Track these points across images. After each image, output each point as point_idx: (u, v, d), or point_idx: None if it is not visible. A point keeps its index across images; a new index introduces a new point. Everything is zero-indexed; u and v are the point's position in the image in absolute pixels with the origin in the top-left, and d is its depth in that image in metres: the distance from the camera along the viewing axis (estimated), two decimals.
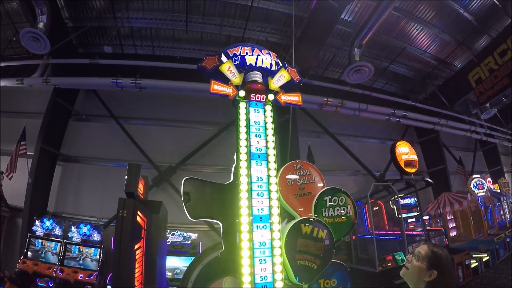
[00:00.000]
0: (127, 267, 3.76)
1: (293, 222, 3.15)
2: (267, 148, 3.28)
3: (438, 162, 12.70)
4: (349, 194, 3.59)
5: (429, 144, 12.90)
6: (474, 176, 11.74)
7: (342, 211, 3.45)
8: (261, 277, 2.82)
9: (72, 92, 8.76)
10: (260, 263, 2.88)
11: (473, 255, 8.69)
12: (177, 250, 7.14)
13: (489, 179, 14.11)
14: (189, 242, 7.34)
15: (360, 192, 7.66)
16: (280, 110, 7.97)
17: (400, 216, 7.75)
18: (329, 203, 3.42)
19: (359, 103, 9.17)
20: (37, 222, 6.95)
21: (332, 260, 3.21)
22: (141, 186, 4.61)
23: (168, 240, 7.22)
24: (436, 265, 1.80)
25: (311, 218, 3.25)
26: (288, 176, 3.46)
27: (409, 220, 9.66)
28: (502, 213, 12.52)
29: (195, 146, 8.86)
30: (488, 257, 9.00)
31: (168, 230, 7.32)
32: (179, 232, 7.37)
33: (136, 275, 3.86)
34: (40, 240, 6.81)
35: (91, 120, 9.15)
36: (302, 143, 8.73)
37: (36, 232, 6.88)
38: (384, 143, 11.55)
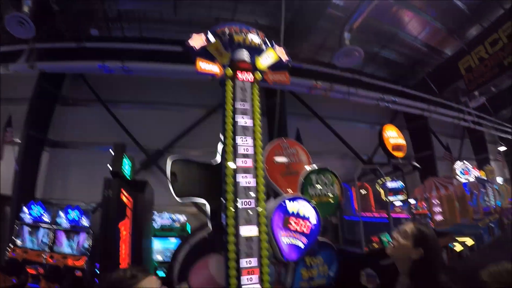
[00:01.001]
0: (113, 246, 3.76)
1: (279, 199, 3.16)
2: (254, 125, 3.25)
3: (425, 148, 12.93)
4: (336, 174, 3.61)
5: (417, 130, 13.12)
6: (460, 162, 11.96)
7: (328, 191, 3.47)
8: (246, 253, 2.82)
9: (58, 77, 8.61)
10: (246, 240, 2.88)
11: (458, 239, 8.88)
12: (166, 232, 7.16)
13: (476, 166, 14.39)
14: (177, 224, 7.36)
15: (348, 175, 7.71)
16: (269, 94, 7.95)
17: (386, 199, 7.85)
18: (316, 182, 3.43)
19: (349, 87, 9.20)
20: (25, 209, 6.87)
21: (319, 239, 3.23)
22: (127, 167, 4.58)
23: (157, 222, 7.24)
24: (422, 243, 1.81)
25: (297, 196, 3.26)
26: (277, 159, 3.45)
27: (396, 204, 9.78)
28: (487, 199, 12.78)
29: (184, 129, 8.83)
30: (472, 242, 9.20)
31: (157, 213, 7.34)
32: (167, 215, 7.38)
33: (123, 254, 3.86)
34: (28, 227, 6.74)
35: (78, 105, 9.03)
36: (291, 126, 8.74)
37: (25, 219, 6.80)
38: (372, 128, 11.63)
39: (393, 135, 7.82)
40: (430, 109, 11.34)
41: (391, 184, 8.70)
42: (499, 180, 16.94)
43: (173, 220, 7.40)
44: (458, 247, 8.51)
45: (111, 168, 4.22)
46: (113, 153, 4.28)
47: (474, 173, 13.09)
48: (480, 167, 14.86)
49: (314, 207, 3.23)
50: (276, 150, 3.48)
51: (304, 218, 3.16)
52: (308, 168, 3.50)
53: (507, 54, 9.48)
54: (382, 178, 7.82)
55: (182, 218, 7.49)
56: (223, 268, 2.72)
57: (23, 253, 6.36)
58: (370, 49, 10.09)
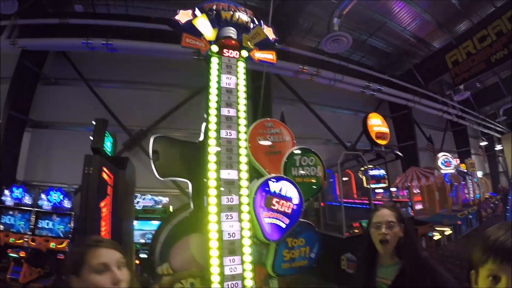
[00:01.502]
0: (93, 225, 3.69)
1: (262, 179, 3.13)
2: (237, 104, 3.21)
3: (408, 138, 13.10)
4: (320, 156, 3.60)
5: (401, 120, 13.27)
6: (442, 154, 12.18)
7: (311, 172, 3.45)
8: (228, 233, 2.81)
9: (40, 55, 8.31)
10: (227, 218, 2.86)
11: (437, 228, 9.14)
12: (148, 214, 7.11)
13: (457, 158, 14.71)
14: (160, 206, 7.32)
15: (331, 160, 7.73)
16: (255, 77, 7.86)
17: (368, 186, 7.96)
18: (299, 163, 3.41)
19: (335, 73, 9.17)
20: (6, 192, 6.69)
21: (301, 220, 3.23)
22: (108, 143, 4.49)
23: (139, 204, 7.18)
24: (402, 220, 1.92)
25: (280, 176, 3.24)
26: (261, 142, 3.42)
27: (377, 191, 9.99)
28: (466, 191, 13.15)
29: (168, 110, 8.69)
30: (451, 232, 9.46)
31: (139, 195, 7.28)
32: (150, 196, 7.32)
33: (103, 234, 3.80)
34: (10, 210, 6.57)
35: (61, 84, 8.77)
36: (276, 110, 8.69)
37: (6, 202, 6.62)
38: (357, 115, 11.65)
39: (377, 123, 7.89)
40: (415, 100, 11.42)
41: (373, 172, 8.86)
42: (479, 174, 17.42)
43: (156, 202, 7.36)
44: (436, 236, 8.76)
45: (92, 145, 4.12)
46: (94, 129, 4.18)
47: (455, 165, 13.39)
48: (461, 160, 15.21)
49: (297, 188, 3.21)
50: (260, 129, 3.44)
51: (287, 198, 3.14)
52: (291, 148, 3.48)
53: (495, 51, 9.63)
54: (364, 166, 7.90)
55: (165, 200, 7.45)
56: (204, 248, 2.70)
57: (5, 236, 6.22)
58: (358, 37, 10.12)
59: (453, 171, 11.99)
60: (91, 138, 4.23)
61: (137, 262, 5.87)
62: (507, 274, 0.87)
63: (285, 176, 3.27)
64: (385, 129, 8.04)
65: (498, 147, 20.51)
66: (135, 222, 6.67)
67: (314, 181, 3.46)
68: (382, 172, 9.01)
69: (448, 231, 9.41)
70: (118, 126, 8.18)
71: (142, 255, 6.22)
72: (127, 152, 8.12)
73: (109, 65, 8.70)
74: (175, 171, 3.30)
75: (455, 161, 13.45)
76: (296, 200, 3.17)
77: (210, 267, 2.59)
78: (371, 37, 10.32)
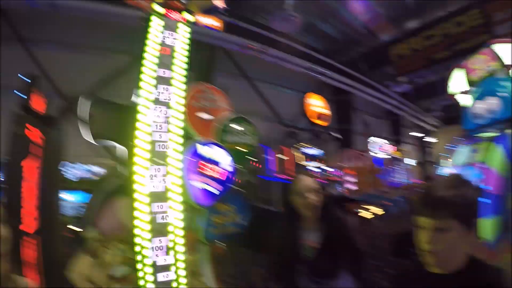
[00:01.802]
0: (16, 187, 3.49)
1: (194, 143, 3.12)
2: (175, 66, 3.14)
3: (347, 121, 13.54)
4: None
5: (342, 104, 13.54)
6: (377, 139, 12.89)
7: (245, 140, 3.49)
8: (158, 197, 2.78)
9: None
10: (158, 182, 2.83)
11: (367, 207, 9.69)
12: (84, 185, 6.84)
13: (391, 145, 15.72)
14: (96, 177, 7.08)
15: (270, 137, 7.86)
16: (200, 48, 7.69)
17: (304, 164, 8.19)
18: (233, 130, 3.44)
19: (282, 52, 9.21)
20: None
21: (232, 187, 3.28)
22: (38, 101, 4.21)
23: (75, 175, 6.89)
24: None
25: (213, 141, 3.25)
26: (208, 120, 3.39)
27: (312, 169, 10.34)
28: (397, 176, 14.15)
29: (108, 75, 8.25)
30: (380, 211, 10.08)
31: (75, 165, 6.95)
32: (86, 167, 7.04)
33: (26, 198, 3.59)
34: None
35: None
36: (219, 84, 8.52)
37: None
38: (300, 95, 11.51)
39: (317, 104, 8.14)
40: (357, 87, 11.81)
41: (310, 151, 9.14)
42: (411, 161, 18.80)
43: (92, 173, 7.10)
44: (366, 215, 9.29)
45: (20, 102, 3.85)
46: (23, 86, 3.90)
47: (389, 151, 14.30)
48: (395, 147, 16.22)
49: (229, 154, 3.26)
50: (196, 93, 3.40)
51: (219, 164, 3.17)
52: (226, 114, 3.48)
53: (439, 50, 10.32)
54: (302, 144, 8.15)
55: (101, 171, 7.20)
56: (132, 212, 2.64)
57: None
58: (309, 19, 10.20)
59: (386, 156, 12.70)
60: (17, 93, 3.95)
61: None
62: (447, 226, 1.00)
63: (217, 142, 3.28)
64: (325, 111, 8.31)
65: (430, 140, 22.15)
66: (68, 194, 6.43)
67: (247, 149, 3.50)
68: (318, 151, 9.29)
69: (377, 211, 10.01)
70: (53, 91, 7.62)
71: (75, 228, 6.00)
72: (62, 118, 7.64)
73: (48, 24, 7.95)
74: (109, 134, 3.16)
75: (389, 147, 14.37)
76: (228, 166, 3.19)
77: (138, 231, 2.53)
78: (322, 21, 10.47)
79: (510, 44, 4.50)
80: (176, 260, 2.56)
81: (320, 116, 8.06)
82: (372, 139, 13.80)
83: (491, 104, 4.46)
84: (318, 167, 9.79)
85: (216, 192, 3.11)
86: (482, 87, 4.81)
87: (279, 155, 8.53)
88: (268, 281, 2.39)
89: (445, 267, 1.07)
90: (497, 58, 4.67)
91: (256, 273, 4.47)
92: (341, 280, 1.98)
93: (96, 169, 7.19)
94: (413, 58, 11.19)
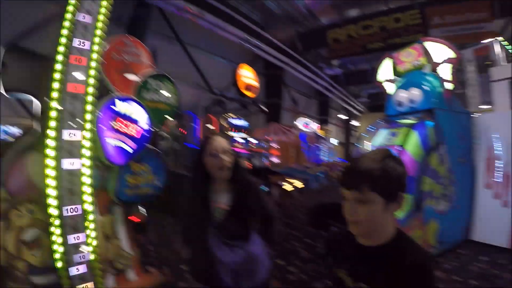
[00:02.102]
0: None
1: (109, 97, 2.98)
2: (96, 12, 2.95)
3: (276, 96, 13.88)
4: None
5: (272, 78, 13.85)
6: (304, 116, 13.46)
7: (165, 98, 3.40)
8: (69, 152, 2.65)
9: None
10: (70, 138, 2.69)
11: (289, 180, 10.15)
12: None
13: (317, 124, 16.57)
14: (12, 139, 6.50)
15: (197, 104, 7.76)
16: (135, 6, 7.27)
17: (229, 133, 8.31)
18: (154, 87, 3.33)
19: (219, 19, 9.02)
20: None
21: (147, 146, 3.18)
22: None
23: None
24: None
25: (130, 97, 3.13)
26: (127, 75, 3.23)
27: (238, 140, 10.52)
28: (320, 153, 15.03)
29: (33, 25, 7.45)
30: (301, 185, 10.63)
31: None
32: (2, 128, 6.43)
33: None
34: None
35: None
36: (150, 45, 8.19)
37: None
38: (231, 65, 11.33)
39: (248, 75, 8.19)
40: (290, 64, 12.03)
41: (236, 121, 9.24)
42: (334, 141, 20.06)
43: (9, 134, 6.51)
44: (288, 187, 9.72)
45: None
46: None
47: (314, 129, 15.04)
48: (320, 126, 17.11)
49: (146, 112, 3.16)
50: (118, 45, 3.22)
51: (135, 121, 3.05)
52: (147, 71, 3.36)
53: (374, 41, 10.94)
54: (228, 114, 8.22)
55: (17, 131, 6.63)
56: (42, 168, 2.48)
57: None
58: None
59: (310, 133, 13.33)
60: None
61: None
62: (369, 198, 1.02)
63: (135, 98, 3.16)
64: (255, 83, 8.40)
65: (355, 123, 23.79)
66: None
67: (166, 108, 3.40)
68: (244, 122, 9.40)
69: (299, 184, 10.34)
70: None
71: None
72: None
73: None
74: (22, 86, 2.96)
75: (314, 125, 15.10)
76: (144, 124, 3.04)
77: (48, 191, 2.35)
78: None
79: (440, 44, 5.06)
80: (87, 221, 2.46)
81: (249, 87, 8.14)
82: (298, 116, 14.28)
83: (414, 95, 5.00)
84: (243, 138, 9.92)
85: (131, 151, 3.01)
86: (408, 78, 5.36)
87: (205, 124, 8.50)
88: (182, 244, 2.27)
89: (369, 238, 1.11)
90: (425, 54, 5.20)
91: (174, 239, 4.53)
92: (252, 242, 2.01)
93: (14, 129, 6.60)
94: (348, 44, 11.66)
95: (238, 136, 9.52)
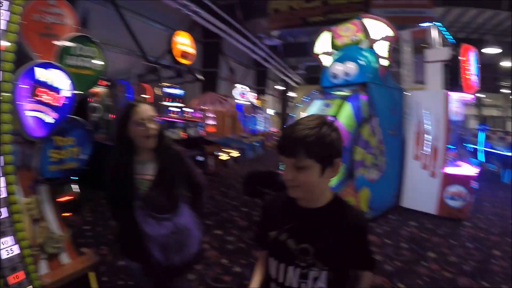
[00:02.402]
0: None
1: (27, 64, 2.75)
2: None
3: (213, 65, 13.85)
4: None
5: (210, 47, 13.75)
6: (240, 86, 13.51)
7: (89, 64, 3.20)
8: None
9: None
10: None
11: (225, 150, 10.25)
12: None
13: (254, 94, 16.72)
14: None
15: (129, 71, 7.38)
16: None
17: (163, 103, 8.09)
18: (77, 51, 3.12)
19: None
20: None
21: (71, 116, 3.00)
22: None
23: None
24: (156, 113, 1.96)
25: (51, 63, 2.91)
26: (49, 38, 2.95)
27: (172, 109, 10.28)
28: (256, 123, 15.31)
29: None
30: (237, 154, 10.72)
31: None
32: None
33: None
34: None
35: None
36: (81, 7, 7.46)
37: None
38: (168, 32, 10.85)
39: (184, 42, 7.91)
40: (229, 32, 11.83)
41: (171, 90, 8.97)
42: (271, 111, 20.51)
43: None
44: (223, 157, 9.68)
45: None
46: None
47: (250, 99, 15.16)
48: (257, 96, 17.32)
49: (70, 79, 2.96)
50: (39, 6, 2.92)
51: (56, 89, 2.85)
52: (71, 34, 3.10)
53: (315, 14, 11.12)
54: (163, 82, 7.99)
55: None
56: None
57: None
58: None
59: (247, 103, 13.46)
60: None
61: None
62: (306, 164, 1.03)
63: (57, 64, 2.95)
64: (191, 50, 8.15)
65: (291, 94, 24.43)
66: None
67: (91, 73, 3.19)
68: (179, 91, 9.12)
69: (235, 154, 10.55)
70: None
71: None
72: None
73: None
74: None
75: (251, 96, 15.22)
76: (67, 92, 2.87)
77: None
78: None
79: (379, 21, 5.27)
80: (10, 202, 2.12)
81: (185, 54, 7.90)
82: (235, 85, 14.28)
83: (349, 68, 5.22)
84: (178, 107, 9.70)
85: (52, 121, 2.81)
86: (345, 52, 5.56)
87: (139, 93, 8.15)
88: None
89: (309, 201, 1.15)
90: (364, 30, 5.42)
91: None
92: (180, 214, 1.95)
93: None
94: (289, 15, 11.75)
95: (172, 105, 9.26)
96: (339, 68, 5.44)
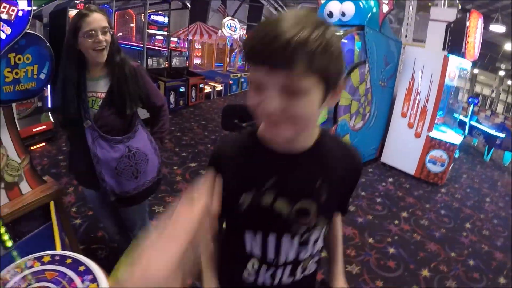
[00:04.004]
0: None
1: None
2: None
3: None
4: None
5: None
6: (231, 19, 12.95)
7: None
8: None
9: None
10: None
11: (209, 83, 10.23)
12: None
13: (244, 28, 16.09)
14: None
15: None
16: None
17: (147, 31, 7.76)
18: None
19: None
20: None
21: (28, 31, 2.84)
22: None
23: None
24: (110, 23, 1.76)
25: None
26: None
27: (157, 37, 9.90)
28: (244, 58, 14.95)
29: None
30: (221, 88, 10.80)
31: None
32: None
33: None
34: None
35: None
36: None
37: None
38: None
39: None
40: None
41: (156, 17, 8.56)
42: None
43: None
44: (207, 89, 9.80)
45: None
46: None
47: (241, 34, 14.65)
48: (247, 31, 16.71)
49: None
50: None
51: (12, 2, 2.71)
52: None
53: None
54: (148, 9, 7.61)
55: None
56: None
57: None
58: None
59: (236, 37, 13.01)
60: None
61: None
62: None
63: None
64: None
65: None
66: None
67: None
68: (165, 19, 8.67)
69: (219, 87, 10.66)
70: None
71: None
72: None
73: None
74: None
75: (241, 30, 14.67)
76: (23, 4, 2.74)
77: None
78: None
79: None
80: None
81: None
82: (226, 17, 13.75)
83: (347, 8, 4.98)
84: (163, 36, 9.32)
85: (5, 37, 2.63)
86: None
87: (122, 18, 7.77)
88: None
89: (293, 143, 0.79)
90: None
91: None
92: (136, 137, 1.81)
93: None
94: None
95: (158, 34, 8.90)
96: (335, 7, 5.08)
